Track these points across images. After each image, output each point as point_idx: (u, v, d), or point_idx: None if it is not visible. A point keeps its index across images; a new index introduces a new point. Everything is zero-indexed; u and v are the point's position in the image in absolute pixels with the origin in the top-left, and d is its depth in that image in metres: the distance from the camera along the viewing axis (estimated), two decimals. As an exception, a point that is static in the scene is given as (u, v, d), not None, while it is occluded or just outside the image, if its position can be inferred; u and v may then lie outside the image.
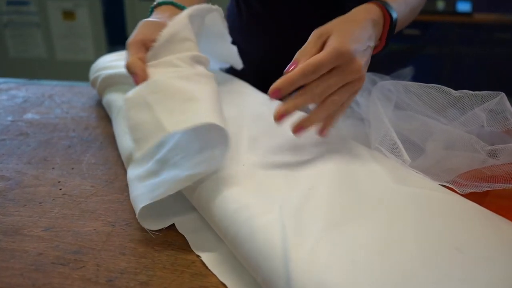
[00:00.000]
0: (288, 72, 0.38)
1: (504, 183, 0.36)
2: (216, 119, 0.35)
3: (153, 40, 0.44)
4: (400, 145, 0.42)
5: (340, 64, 0.37)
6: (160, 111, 0.36)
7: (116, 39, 2.27)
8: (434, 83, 0.45)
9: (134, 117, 0.37)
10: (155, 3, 0.53)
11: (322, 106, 0.39)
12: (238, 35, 0.80)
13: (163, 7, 0.51)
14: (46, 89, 0.77)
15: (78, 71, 2.22)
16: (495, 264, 0.29)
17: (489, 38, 2.19)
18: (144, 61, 0.43)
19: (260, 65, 0.78)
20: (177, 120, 0.35)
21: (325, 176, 0.38)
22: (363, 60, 0.38)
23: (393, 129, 0.44)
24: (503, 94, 0.40)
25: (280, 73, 0.39)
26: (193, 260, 0.35)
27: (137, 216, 0.37)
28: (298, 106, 0.38)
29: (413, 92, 0.46)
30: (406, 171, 0.40)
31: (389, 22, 0.44)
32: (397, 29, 0.48)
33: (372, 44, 0.42)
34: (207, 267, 0.34)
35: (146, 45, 0.45)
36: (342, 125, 0.52)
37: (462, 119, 0.44)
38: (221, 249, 0.36)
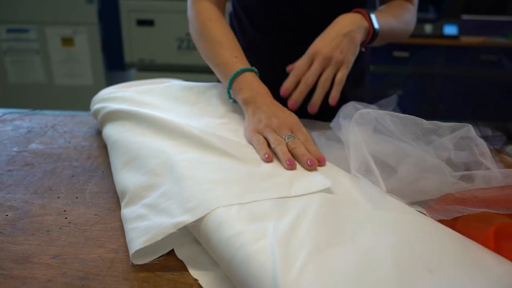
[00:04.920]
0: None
1: (472, 207, 0.40)
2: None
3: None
4: (377, 173, 0.45)
5: (315, 58, 0.60)
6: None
7: (113, 64, 2.33)
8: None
9: None
10: (230, 77, 0.62)
11: (318, 87, 0.61)
12: None
13: (242, 76, 0.62)
14: (48, 119, 0.80)
15: (76, 95, 2.27)
16: (463, 284, 0.32)
17: (475, 59, 2.28)
18: None
19: None
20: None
21: (312, 204, 0.41)
22: (335, 47, 0.60)
23: (370, 154, 0.47)
24: (469, 125, 0.44)
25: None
26: (192, 283, 0.38)
27: (131, 259, 0.39)
28: (303, 93, 0.61)
29: (391, 120, 0.50)
30: (383, 195, 0.44)
31: (368, 17, 0.64)
32: (388, 36, 0.69)
33: (346, 31, 0.61)
34: (203, 290, 0.37)
35: None
36: (326, 149, 0.56)
37: (432, 146, 0.48)
38: (217, 272, 0.39)
